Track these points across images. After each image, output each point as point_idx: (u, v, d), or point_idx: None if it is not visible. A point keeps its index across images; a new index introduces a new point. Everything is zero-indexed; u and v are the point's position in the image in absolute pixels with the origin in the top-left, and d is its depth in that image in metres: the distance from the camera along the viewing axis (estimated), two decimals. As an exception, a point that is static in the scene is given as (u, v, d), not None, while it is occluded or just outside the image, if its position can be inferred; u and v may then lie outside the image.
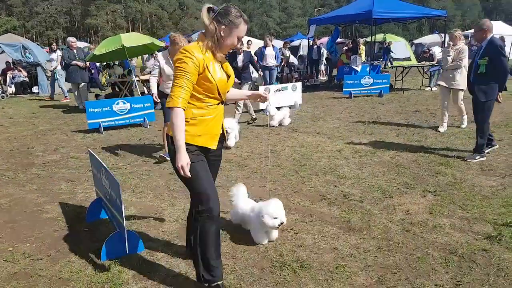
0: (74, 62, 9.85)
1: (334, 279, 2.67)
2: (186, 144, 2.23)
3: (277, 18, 74.24)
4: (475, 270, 2.73)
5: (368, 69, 12.89)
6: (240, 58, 7.65)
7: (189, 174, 2.18)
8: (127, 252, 2.99)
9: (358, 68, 12.87)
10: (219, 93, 2.33)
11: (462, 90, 6.54)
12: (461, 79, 6.44)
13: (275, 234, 3.25)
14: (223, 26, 2.23)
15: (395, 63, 18.74)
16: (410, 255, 2.95)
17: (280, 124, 7.72)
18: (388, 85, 11.46)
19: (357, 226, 3.45)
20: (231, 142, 6.03)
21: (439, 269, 2.75)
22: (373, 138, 6.45)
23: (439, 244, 3.10)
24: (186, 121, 2.25)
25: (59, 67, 12.22)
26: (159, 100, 5.39)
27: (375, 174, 4.75)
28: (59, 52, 12.61)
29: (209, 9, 2.25)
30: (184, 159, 2.16)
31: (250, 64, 7.92)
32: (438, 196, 4.04)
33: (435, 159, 5.24)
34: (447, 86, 6.61)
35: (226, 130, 5.47)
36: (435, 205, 3.82)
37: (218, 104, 2.38)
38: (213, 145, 2.42)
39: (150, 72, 5.51)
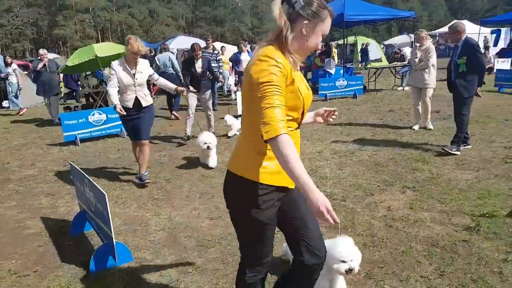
0: (39, 67, 9.53)
1: (325, 277, 2.73)
2: (264, 185, 1.72)
3: (249, 23, 74.69)
4: (457, 260, 2.86)
5: (342, 71, 13.17)
6: (198, 64, 6.93)
7: (337, 218, 1.53)
8: (117, 263, 2.97)
9: (332, 71, 13.13)
10: (303, 113, 1.80)
11: (432, 88, 6.81)
12: (429, 78, 6.70)
13: (341, 284, 2.54)
14: (305, 21, 1.66)
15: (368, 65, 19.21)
16: (395, 249, 3.06)
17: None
18: (362, 87, 11.74)
19: (341, 224, 3.53)
20: (213, 162, 5.47)
21: (423, 261, 2.87)
22: (351, 139, 6.60)
23: (421, 237, 3.22)
24: (261, 154, 1.72)
25: (14, 81, 11.92)
26: (124, 112, 4.58)
27: (355, 174, 4.87)
28: (14, 66, 12.29)
29: (283, 1, 1.69)
30: (325, 199, 1.52)
31: (208, 71, 7.21)
32: (417, 191, 4.19)
33: (411, 156, 5.42)
34: (417, 86, 6.87)
35: (208, 146, 5.19)
36: (414, 200, 3.96)
37: (297, 128, 1.83)
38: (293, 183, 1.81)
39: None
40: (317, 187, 4.85)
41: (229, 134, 7.32)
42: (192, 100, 7.03)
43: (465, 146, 5.57)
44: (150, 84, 4.85)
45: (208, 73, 7.20)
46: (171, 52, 11.58)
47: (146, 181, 4.85)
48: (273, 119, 1.53)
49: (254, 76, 1.60)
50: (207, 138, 5.34)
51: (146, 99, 4.81)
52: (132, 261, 3.07)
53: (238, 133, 7.30)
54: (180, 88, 4.97)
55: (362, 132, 7.04)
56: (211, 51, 10.10)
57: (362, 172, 4.90)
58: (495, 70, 12.50)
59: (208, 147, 5.28)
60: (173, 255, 3.18)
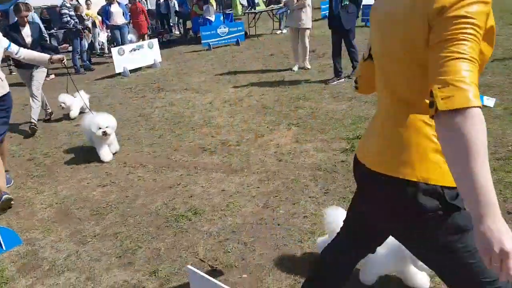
0: None
1: (227, 215, 2.90)
2: (450, 189, 1.12)
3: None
4: (338, 178, 3.26)
5: (222, 18, 13.01)
6: (26, 32, 5.44)
7: None
8: (4, 250, 2.70)
9: (212, 18, 12.88)
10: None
11: (309, 28, 7.16)
12: (306, 18, 7.02)
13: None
14: None
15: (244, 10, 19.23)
16: (286, 179, 3.35)
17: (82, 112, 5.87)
18: (243, 33, 11.83)
19: (238, 167, 3.71)
20: (114, 148, 4.40)
21: (310, 184, 3.21)
22: (239, 86, 6.74)
23: (307, 165, 3.56)
24: (435, 141, 1.12)
25: None
26: None
27: (246, 119, 5.05)
28: None
29: None
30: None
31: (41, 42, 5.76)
32: (300, 126, 4.55)
33: (294, 95, 5.78)
34: (295, 26, 7.16)
35: (105, 132, 4.19)
36: (299, 134, 4.31)
37: None
38: None
39: None
40: (212, 137, 4.93)
41: (71, 116, 5.87)
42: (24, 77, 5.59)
43: (339, 80, 6.12)
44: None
45: (38, 44, 5.55)
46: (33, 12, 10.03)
47: (5, 196, 3.31)
48: (460, 78, 0.92)
49: (439, 2, 0.98)
50: (102, 120, 4.11)
51: (2, 85, 3.54)
52: (22, 244, 2.83)
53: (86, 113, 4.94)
54: (56, 57, 3.89)
55: (248, 79, 7.21)
56: (68, 5, 9.11)
57: (252, 117, 5.10)
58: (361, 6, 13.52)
59: (105, 133, 4.09)
60: (67, 229, 3.00)
